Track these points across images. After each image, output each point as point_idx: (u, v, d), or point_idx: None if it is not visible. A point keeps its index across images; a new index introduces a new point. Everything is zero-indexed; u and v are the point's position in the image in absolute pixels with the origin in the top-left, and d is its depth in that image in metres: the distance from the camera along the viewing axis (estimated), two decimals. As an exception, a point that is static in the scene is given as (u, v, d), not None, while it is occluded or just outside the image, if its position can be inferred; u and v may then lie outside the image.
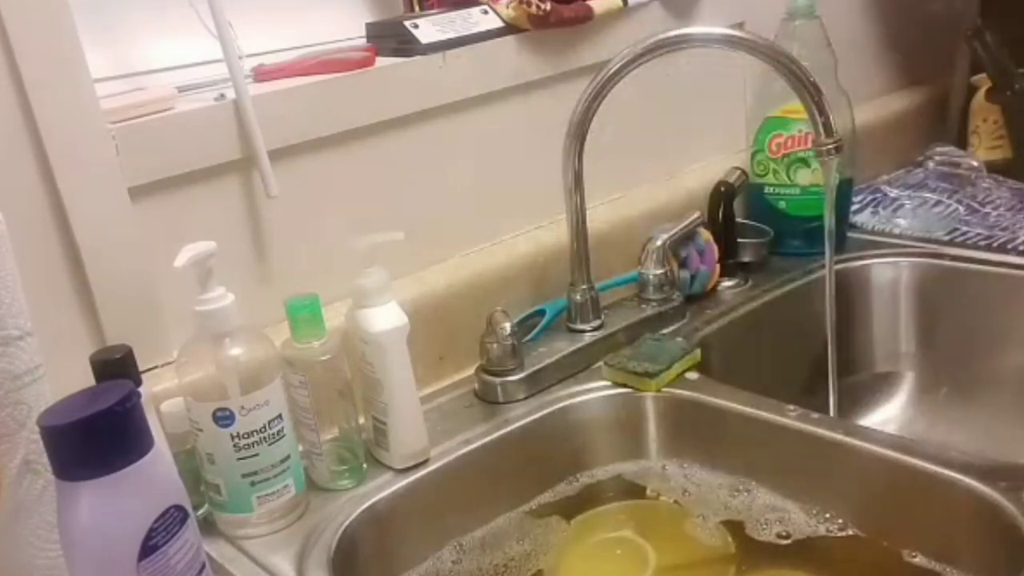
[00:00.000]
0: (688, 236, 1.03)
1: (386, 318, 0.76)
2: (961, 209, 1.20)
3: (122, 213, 0.74)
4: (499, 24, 0.95)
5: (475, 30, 0.93)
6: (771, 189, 1.12)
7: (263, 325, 0.79)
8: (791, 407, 0.82)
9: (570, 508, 0.84)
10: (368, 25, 0.96)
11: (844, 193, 1.15)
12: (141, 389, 0.61)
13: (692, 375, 0.89)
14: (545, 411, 0.87)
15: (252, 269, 0.84)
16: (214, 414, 0.69)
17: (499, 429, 0.84)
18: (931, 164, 1.32)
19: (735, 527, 0.79)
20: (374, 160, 0.89)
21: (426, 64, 0.90)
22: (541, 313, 0.95)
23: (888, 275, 1.11)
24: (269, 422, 0.71)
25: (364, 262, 0.76)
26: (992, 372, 1.05)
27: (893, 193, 1.27)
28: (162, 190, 0.77)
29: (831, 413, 0.89)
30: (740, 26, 1.12)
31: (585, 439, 0.88)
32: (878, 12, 1.37)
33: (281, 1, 0.94)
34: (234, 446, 0.70)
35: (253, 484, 0.71)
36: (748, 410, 0.83)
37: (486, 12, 0.96)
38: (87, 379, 0.63)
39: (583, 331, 0.94)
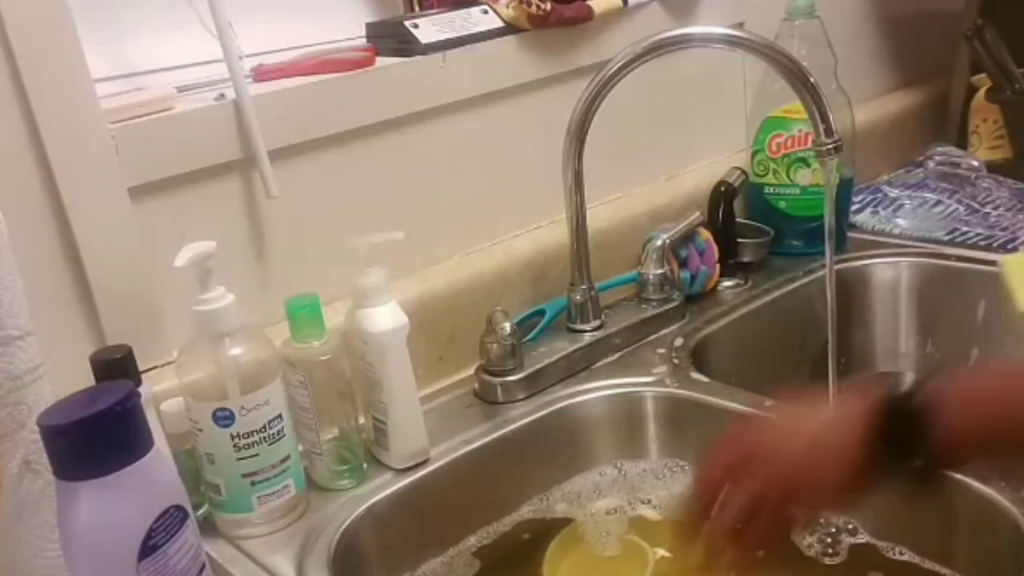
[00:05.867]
0: (688, 236, 1.03)
1: (386, 318, 0.76)
2: (961, 209, 1.20)
3: (122, 213, 0.74)
4: (499, 24, 0.95)
5: (475, 30, 0.93)
6: (771, 189, 1.12)
7: (263, 325, 0.79)
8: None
9: (570, 508, 0.84)
10: (368, 25, 0.96)
11: (844, 193, 1.15)
12: (141, 389, 0.61)
13: (694, 374, 0.89)
14: (545, 411, 0.87)
15: (252, 269, 0.83)
16: (214, 414, 0.69)
17: (499, 429, 0.84)
18: (931, 164, 1.31)
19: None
20: (374, 160, 0.89)
21: (426, 64, 0.90)
22: (541, 313, 0.95)
23: (888, 275, 1.11)
24: (269, 422, 0.71)
25: (364, 262, 0.76)
26: (992, 372, 1.04)
27: (893, 193, 1.27)
28: (162, 190, 0.77)
29: (831, 413, 0.89)
30: (740, 26, 1.12)
31: (585, 439, 0.88)
32: (878, 12, 1.37)
33: (281, 1, 0.94)
34: (234, 446, 0.70)
35: (253, 484, 0.71)
36: (748, 410, 0.83)
37: (486, 12, 0.96)
38: (87, 379, 0.63)
39: (583, 331, 0.94)
